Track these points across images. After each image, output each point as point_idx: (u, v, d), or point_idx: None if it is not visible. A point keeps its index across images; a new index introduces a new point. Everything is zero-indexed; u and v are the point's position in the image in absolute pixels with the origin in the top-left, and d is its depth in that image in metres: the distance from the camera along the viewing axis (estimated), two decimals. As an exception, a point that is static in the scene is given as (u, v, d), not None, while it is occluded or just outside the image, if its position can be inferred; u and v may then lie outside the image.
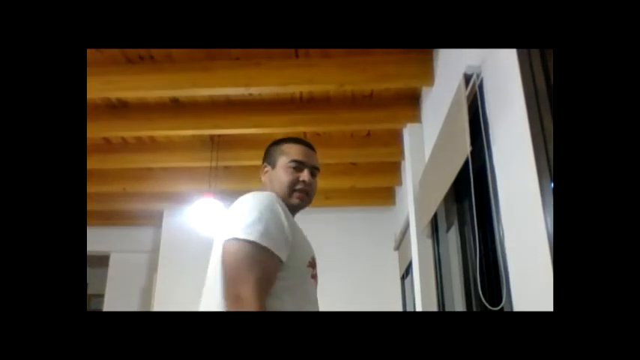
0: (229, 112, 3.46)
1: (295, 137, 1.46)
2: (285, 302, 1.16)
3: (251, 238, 1.14)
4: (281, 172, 1.36)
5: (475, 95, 2.00)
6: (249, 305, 1.08)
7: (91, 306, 6.24)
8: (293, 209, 1.35)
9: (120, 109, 3.52)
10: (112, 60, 3.02)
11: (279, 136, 1.53)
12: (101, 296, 5.67)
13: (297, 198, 1.35)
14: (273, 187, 1.36)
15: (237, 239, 1.15)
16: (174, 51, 2.96)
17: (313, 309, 1.26)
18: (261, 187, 1.39)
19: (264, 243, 1.15)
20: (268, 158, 1.42)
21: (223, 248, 1.18)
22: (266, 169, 1.41)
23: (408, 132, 3.45)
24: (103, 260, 5.72)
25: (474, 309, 2.37)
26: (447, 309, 2.82)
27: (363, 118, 3.47)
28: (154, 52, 2.97)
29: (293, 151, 1.39)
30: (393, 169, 4.46)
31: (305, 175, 1.37)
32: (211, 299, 1.19)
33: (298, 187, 1.35)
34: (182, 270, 5.12)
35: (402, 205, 4.32)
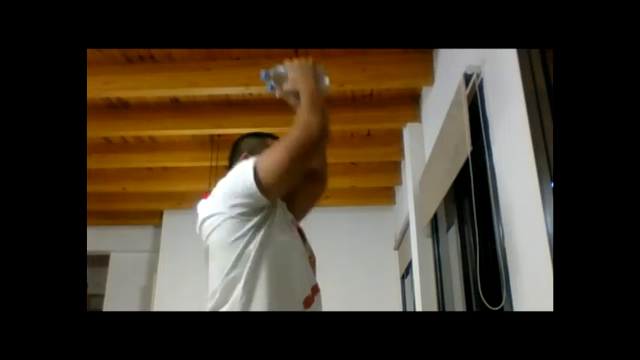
0: (229, 112, 3.47)
1: (268, 133, 1.49)
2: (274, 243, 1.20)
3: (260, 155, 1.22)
4: None
5: (475, 95, 2.00)
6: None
7: (91, 306, 6.24)
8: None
9: (120, 109, 3.52)
10: (112, 60, 3.02)
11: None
12: (101, 296, 5.67)
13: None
14: None
15: (256, 161, 1.19)
16: (174, 51, 2.96)
17: (303, 259, 1.29)
18: None
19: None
20: (252, 149, 1.41)
21: (261, 179, 1.17)
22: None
23: (408, 132, 3.45)
24: (103, 260, 5.71)
25: (474, 309, 2.37)
26: (447, 309, 2.82)
27: (363, 118, 3.47)
28: (154, 52, 2.97)
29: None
30: (393, 168, 4.46)
31: None
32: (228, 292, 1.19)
33: None
34: (182, 270, 5.12)
35: (401, 205, 4.32)
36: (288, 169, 1.18)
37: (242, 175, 1.19)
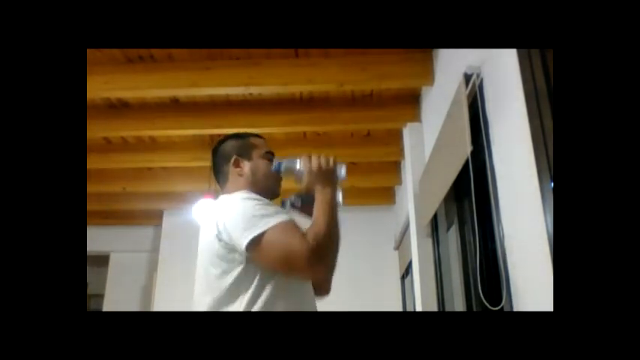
0: (229, 112, 3.46)
1: (250, 133, 1.48)
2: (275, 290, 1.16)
3: (271, 224, 1.14)
4: (262, 163, 1.38)
5: (475, 95, 2.00)
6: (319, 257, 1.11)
7: (91, 306, 6.23)
8: (273, 197, 1.37)
9: (120, 109, 3.51)
10: (112, 60, 3.01)
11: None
12: (101, 296, 5.66)
13: (279, 186, 1.40)
14: (257, 178, 1.36)
15: (260, 234, 1.13)
16: (174, 51, 2.96)
17: (307, 294, 1.26)
18: (238, 180, 1.37)
19: (283, 219, 1.16)
20: (239, 151, 1.40)
21: (252, 249, 1.13)
22: (242, 162, 1.39)
23: (408, 131, 3.45)
24: (103, 260, 5.71)
25: (474, 309, 2.37)
26: (447, 309, 2.82)
27: (363, 117, 3.47)
28: (154, 52, 2.97)
29: (261, 144, 1.43)
30: (393, 168, 4.46)
31: None
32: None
33: (279, 176, 1.39)
34: (182, 270, 5.11)
35: (401, 205, 4.32)
36: (272, 268, 1.15)
37: (240, 229, 1.15)
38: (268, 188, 1.35)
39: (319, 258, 1.12)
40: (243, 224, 1.15)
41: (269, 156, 1.40)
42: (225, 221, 1.19)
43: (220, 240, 1.18)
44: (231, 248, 1.17)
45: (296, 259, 1.11)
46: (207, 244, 1.23)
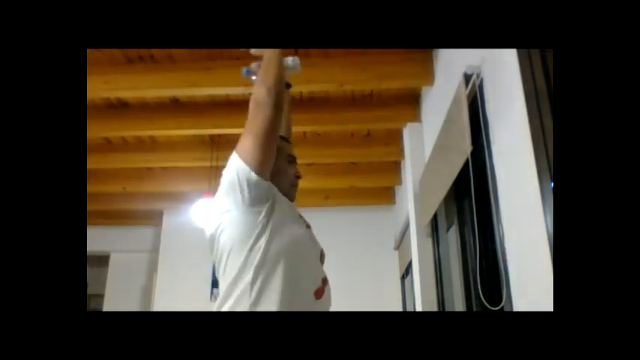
0: (229, 112, 3.47)
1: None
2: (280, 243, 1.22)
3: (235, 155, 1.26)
4: (282, 166, 1.38)
5: (475, 95, 2.00)
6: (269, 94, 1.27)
7: (91, 306, 6.24)
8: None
9: (120, 109, 3.52)
10: (112, 60, 3.02)
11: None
12: (101, 296, 5.67)
13: (294, 191, 1.41)
14: (276, 181, 1.35)
15: (240, 157, 1.23)
16: (174, 51, 2.96)
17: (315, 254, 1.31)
18: None
19: None
20: None
21: (251, 162, 1.21)
22: None
23: (408, 131, 3.45)
24: (103, 260, 5.71)
25: (474, 309, 2.37)
26: (447, 309, 2.82)
27: (363, 117, 3.47)
28: (154, 52, 2.97)
29: (287, 147, 1.44)
30: (393, 168, 4.46)
31: (298, 170, 1.43)
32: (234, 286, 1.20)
33: (296, 181, 1.42)
34: (182, 270, 5.12)
35: (401, 205, 4.32)
36: (264, 142, 1.23)
37: (234, 169, 1.22)
38: (286, 191, 1.34)
39: (260, 103, 1.26)
40: (232, 173, 1.23)
41: (289, 159, 1.41)
42: (223, 191, 1.25)
43: (249, 204, 1.21)
44: (254, 200, 1.21)
45: (257, 123, 1.24)
46: (235, 228, 1.24)
